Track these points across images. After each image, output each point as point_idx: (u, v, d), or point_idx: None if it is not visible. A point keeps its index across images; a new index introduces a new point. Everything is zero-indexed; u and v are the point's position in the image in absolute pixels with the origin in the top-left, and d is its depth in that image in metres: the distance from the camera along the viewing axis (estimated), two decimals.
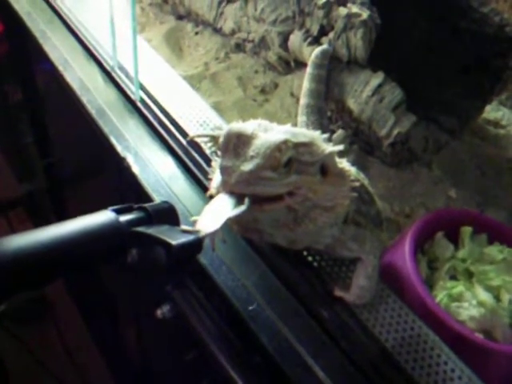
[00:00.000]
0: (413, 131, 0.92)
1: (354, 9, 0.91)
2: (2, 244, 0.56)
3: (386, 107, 0.90)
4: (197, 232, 0.68)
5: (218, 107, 1.05)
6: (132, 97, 0.96)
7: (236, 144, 0.55)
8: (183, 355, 0.88)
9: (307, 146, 0.57)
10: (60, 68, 1.05)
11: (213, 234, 0.72)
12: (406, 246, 0.75)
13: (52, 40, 1.12)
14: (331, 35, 0.94)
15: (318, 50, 0.95)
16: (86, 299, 1.90)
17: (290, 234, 0.62)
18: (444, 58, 1.01)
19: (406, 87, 0.92)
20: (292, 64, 1.11)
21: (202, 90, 1.12)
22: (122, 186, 1.02)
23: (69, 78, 1.03)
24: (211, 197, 0.63)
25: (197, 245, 0.65)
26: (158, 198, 0.81)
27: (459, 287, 0.75)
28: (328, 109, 0.98)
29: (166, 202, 0.70)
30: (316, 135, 0.60)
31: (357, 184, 0.63)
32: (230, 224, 0.64)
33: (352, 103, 0.93)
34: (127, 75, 0.99)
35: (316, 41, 0.98)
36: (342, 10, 0.92)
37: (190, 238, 0.64)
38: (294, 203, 0.57)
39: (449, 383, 0.62)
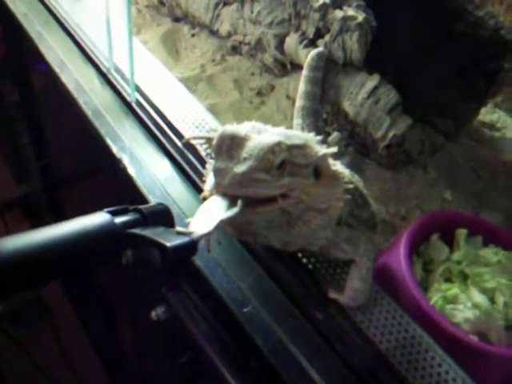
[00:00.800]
0: (408, 133, 0.92)
1: (350, 11, 0.91)
2: None
3: (382, 109, 0.90)
4: (191, 234, 0.69)
5: (214, 109, 1.05)
6: (128, 98, 0.96)
7: (229, 146, 0.55)
8: (178, 357, 0.88)
9: (301, 148, 0.57)
10: (56, 69, 1.05)
11: (207, 236, 0.73)
12: (401, 248, 0.75)
13: (48, 41, 1.12)
14: (327, 38, 0.94)
15: (313, 52, 0.95)
16: (82, 301, 1.90)
17: (284, 236, 0.62)
18: (439, 60, 1.02)
19: (402, 90, 0.92)
20: (288, 66, 1.11)
21: (199, 92, 1.12)
22: (117, 187, 1.02)
23: (65, 79, 1.03)
24: (204, 199, 0.63)
25: (192, 247, 0.65)
26: (153, 200, 0.81)
27: (454, 289, 0.75)
28: (324, 111, 0.98)
29: (161, 204, 0.70)
30: (310, 137, 0.60)
31: (350, 186, 0.62)
32: (224, 226, 0.64)
33: (348, 105, 0.93)
34: (123, 77, 0.99)
35: (312, 43, 0.99)
36: (338, 13, 0.92)
37: (185, 239, 0.64)
38: (288, 205, 0.57)
39: None
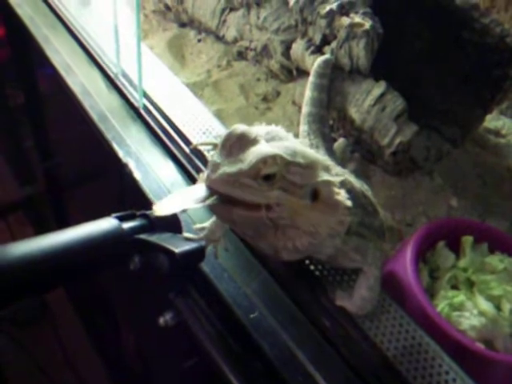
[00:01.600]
0: (414, 140, 0.92)
1: (357, 18, 0.91)
2: (5, 251, 0.57)
3: (388, 116, 0.91)
4: (199, 240, 0.69)
5: (220, 115, 1.05)
6: (135, 104, 0.96)
7: (233, 144, 0.56)
8: (184, 362, 0.88)
9: (302, 167, 0.57)
10: (62, 73, 1.06)
11: (216, 242, 0.73)
12: (408, 255, 0.76)
13: (54, 45, 1.12)
14: (333, 44, 0.95)
15: (320, 59, 0.95)
16: (85, 304, 1.90)
17: (271, 244, 0.61)
18: (445, 67, 1.02)
19: (408, 96, 0.93)
20: (294, 72, 1.11)
21: (205, 97, 1.12)
22: (123, 191, 1.02)
23: (71, 82, 1.04)
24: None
25: (199, 253, 0.66)
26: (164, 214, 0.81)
27: (460, 297, 0.75)
28: (330, 117, 0.98)
29: None
30: (319, 160, 0.60)
31: (348, 219, 0.61)
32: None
33: (354, 112, 0.93)
34: (130, 82, 0.99)
35: (318, 50, 0.99)
36: (345, 20, 0.92)
37: (193, 245, 0.65)
38: (266, 217, 0.56)
39: None
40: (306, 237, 0.59)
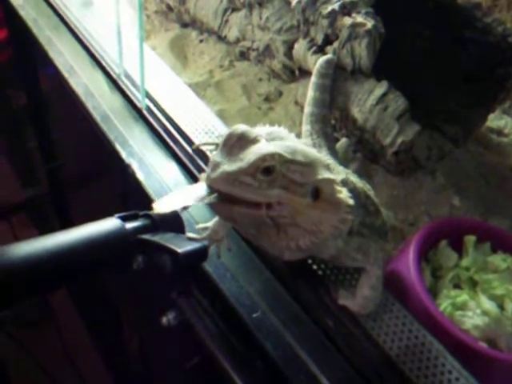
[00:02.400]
0: (416, 140, 0.92)
1: (359, 18, 0.91)
2: (9, 251, 0.57)
3: (390, 116, 0.91)
4: (202, 240, 0.69)
5: (222, 115, 1.05)
6: (138, 104, 0.96)
7: (233, 144, 0.57)
8: (186, 362, 0.88)
9: (301, 165, 0.57)
10: (65, 74, 1.06)
11: (219, 242, 0.73)
12: (410, 255, 0.76)
13: (57, 46, 1.13)
14: (336, 44, 0.95)
15: (322, 59, 0.95)
16: (87, 304, 1.90)
17: (276, 243, 0.61)
18: (447, 66, 1.02)
19: (410, 96, 0.93)
20: (296, 72, 1.11)
21: (207, 97, 1.12)
22: (125, 192, 1.02)
23: (74, 84, 1.04)
24: None
25: (202, 252, 0.66)
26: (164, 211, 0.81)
27: (463, 296, 0.75)
28: (332, 117, 0.99)
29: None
30: (319, 159, 0.60)
31: (350, 217, 0.61)
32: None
33: (356, 112, 0.93)
34: (133, 83, 1.00)
35: (320, 50, 0.99)
36: (347, 20, 0.92)
37: (196, 245, 0.65)
38: (267, 216, 0.57)
39: None
40: (308, 236, 0.59)
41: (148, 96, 0.97)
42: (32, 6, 1.23)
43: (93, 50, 1.09)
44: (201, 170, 0.85)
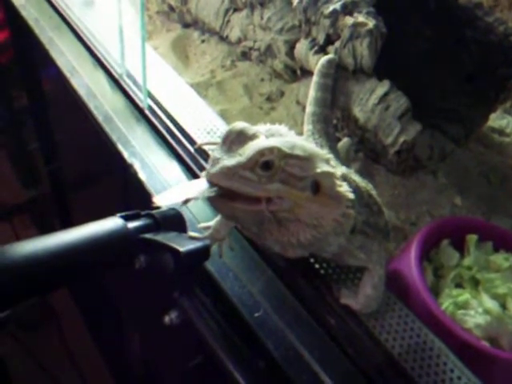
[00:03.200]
0: (418, 139, 0.92)
1: (361, 18, 0.91)
2: (10, 250, 0.57)
3: (392, 115, 0.91)
4: (204, 239, 0.69)
5: (224, 115, 1.05)
6: (140, 104, 0.96)
7: (233, 140, 0.57)
8: (188, 362, 0.88)
9: (300, 159, 0.57)
10: (67, 74, 1.06)
11: (221, 241, 0.73)
12: (412, 254, 0.76)
13: (59, 46, 1.13)
14: (337, 44, 0.95)
15: (324, 59, 0.95)
16: (89, 304, 1.90)
17: (277, 240, 0.61)
18: (449, 66, 1.02)
19: (412, 95, 0.93)
20: (298, 72, 1.11)
21: (209, 97, 1.12)
22: (127, 192, 1.03)
23: (76, 84, 1.04)
24: None
25: (204, 252, 0.66)
26: (164, 205, 0.81)
27: (465, 295, 0.75)
28: (334, 117, 0.99)
29: (173, 209, 0.70)
30: (318, 153, 0.60)
31: (351, 211, 0.61)
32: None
33: (358, 111, 0.93)
34: (135, 83, 1.00)
35: (322, 49, 0.99)
36: (348, 20, 0.93)
37: (198, 244, 0.65)
38: (267, 210, 0.57)
39: None
40: (309, 230, 0.59)
41: (150, 96, 0.97)
42: (34, 6, 1.23)
43: (95, 50, 1.10)
44: (203, 170, 0.84)
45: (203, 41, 1.28)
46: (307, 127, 0.91)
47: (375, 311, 0.68)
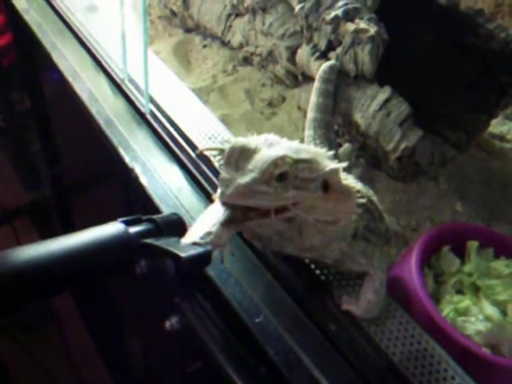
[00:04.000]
0: (419, 145, 0.92)
1: (362, 24, 0.92)
2: (12, 255, 0.57)
3: (393, 122, 0.91)
4: (206, 244, 0.69)
5: (225, 120, 1.06)
6: (141, 109, 0.97)
7: (237, 158, 0.57)
8: (189, 367, 0.88)
9: (308, 162, 0.57)
10: (69, 78, 1.06)
11: (222, 247, 0.73)
12: (413, 260, 0.76)
13: (61, 51, 1.13)
14: (339, 50, 0.95)
15: (325, 65, 0.96)
16: (90, 309, 1.90)
17: (298, 245, 0.63)
18: (450, 72, 1.02)
19: (413, 102, 0.93)
20: (299, 78, 1.11)
21: (210, 102, 1.12)
22: (129, 196, 1.03)
23: (78, 88, 1.04)
24: (213, 201, 0.67)
25: (206, 257, 0.66)
26: (165, 210, 0.81)
27: (466, 301, 0.75)
28: (335, 123, 0.99)
29: (174, 214, 0.71)
30: (320, 152, 0.61)
31: (363, 200, 0.63)
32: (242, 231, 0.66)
33: (359, 117, 0.94)
34: (137, 87, 1.00)
35: (324, 55, 0.99)
36: (350, 26, 0.93)
37: (199, 250, 0.65)
38: (285, 219, 0.58)
39: None
40: (330, 227, 0.60)
41: (151, 101, 0.97)
42: (36, 11, 1.24)
43: (97, 55, 1.10)
44: (204, 175, 0.85)
45: (205, 46, 1.29)
46: (308, 133, 0.91)
47: (376, 317, 0.68)
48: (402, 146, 0.91)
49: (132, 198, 1.01)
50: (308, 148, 0.61)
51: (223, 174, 0.57)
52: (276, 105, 1.13)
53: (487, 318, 0.73)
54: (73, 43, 1.15)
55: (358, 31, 0.92)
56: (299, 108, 1.10)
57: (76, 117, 1.10)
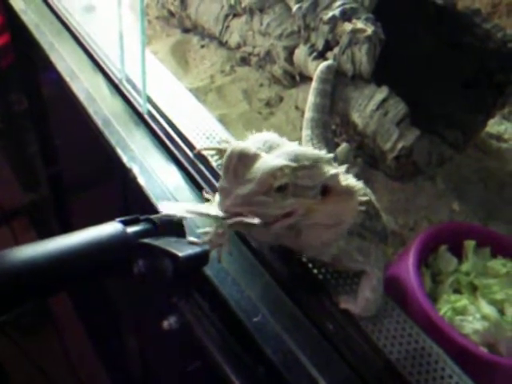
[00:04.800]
0: (417, 145, 0.92)
1: (359, 24, 0.92)
2: (10, 254, 0.57)
3: (391, 121, 0.91)
4: (203, 244, 0.69)
5: (223, 120, 1.06)
6: (139, 109, 0.97)
7: (236, 165, 0.56)
8: (187, 367, 0.88)
9: (308, 169, 0.57)
10: (67, 79, 1.06)
11: (220, 246, 0.73)
12: (410, 259, 0.76)
13: (59, 51, 1.13)
14: (336, 50, 0.95)
15: (323, 65, 0.96)
16: (88, 309, 1.90)
17: (299, 244, 0.63)
18: (447, 72, 1.02)
19: (410, 101, 0.93)
20: (297, 78, 1.12)
21: (208, 102, 1.12)
22: (126, 196, 1.03)
23: (75, 88, 1.04)
24: (207, 200, 0.69)
25: (203, 256, 0.66)
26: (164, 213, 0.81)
27: (463, 301, 0.75)
28: (333, 122, 0.99)
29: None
30: (320, 156, 0.60)
31: (365, 198, 0.63)
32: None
33: (356, 117, 0.94)
34: (134, 88, 1.00)
35: (321, 55, 1.00)
36: (347, 26, 0.93)
37: (197, 249, 0.65)
38: (284, 226, 0.58)
39: None
40: (331, 229, 0.61)
41: (149, 101, 0.97)
42: (34, 11, 1.24)
43: (94, 55, 1.10)
44: (202, 175, 0.85)
45: (203, 46, 1.29)
46: (306, 132, 0.91)
47: (374, 316, 0.68)
48: (400, 145, 0.91)
49: (130, 197, 1.01)
50: (308, 152, 0.60)
51: (222, 182, 0.57)
52: (274, 105, 1.13)
53: (484, 317, 0.73)
54: (71, 44, 1.15)
55: (355, 31, 0.92)
56: (297, 108, 1.10)
57: (74, 117, 1.10)
